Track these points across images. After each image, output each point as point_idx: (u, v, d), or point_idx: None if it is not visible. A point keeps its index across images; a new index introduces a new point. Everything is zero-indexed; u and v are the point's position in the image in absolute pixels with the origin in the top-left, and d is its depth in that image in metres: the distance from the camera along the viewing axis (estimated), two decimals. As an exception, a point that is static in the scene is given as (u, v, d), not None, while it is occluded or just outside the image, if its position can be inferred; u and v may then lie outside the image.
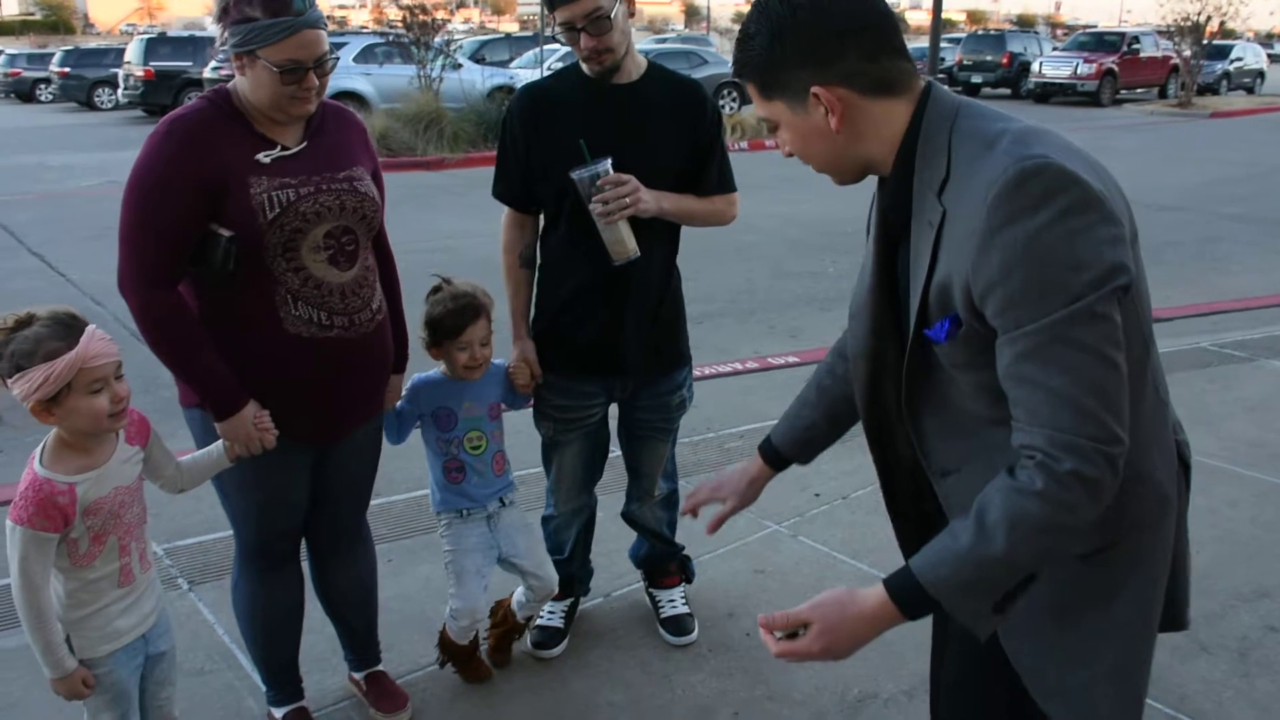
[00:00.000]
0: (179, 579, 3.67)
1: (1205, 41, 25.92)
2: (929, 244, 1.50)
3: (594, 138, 2.72)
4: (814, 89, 1.52)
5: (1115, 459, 1.39)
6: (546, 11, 2.76)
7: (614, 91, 2.82)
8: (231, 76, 2.41)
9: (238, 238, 2.33)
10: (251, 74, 2.33)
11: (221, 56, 2.40)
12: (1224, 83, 30.63)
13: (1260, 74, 32.61)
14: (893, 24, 1.53)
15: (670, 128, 2.86)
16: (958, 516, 1.50)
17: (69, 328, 2.07)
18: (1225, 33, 28.06)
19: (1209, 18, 25.62)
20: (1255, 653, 3.27)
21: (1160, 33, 28.14)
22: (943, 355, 1.53)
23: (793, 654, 1.53)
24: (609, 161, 2.70)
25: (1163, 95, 28.24)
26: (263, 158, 2.37)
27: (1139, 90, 28.21)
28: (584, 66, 2.81)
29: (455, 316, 2.82)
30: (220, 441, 2.45)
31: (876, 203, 1.70)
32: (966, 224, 1.43)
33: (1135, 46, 28.13)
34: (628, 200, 2.70)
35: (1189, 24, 25.57)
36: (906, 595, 1.48)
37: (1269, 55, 37.81)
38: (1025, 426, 1.42)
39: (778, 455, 2.09)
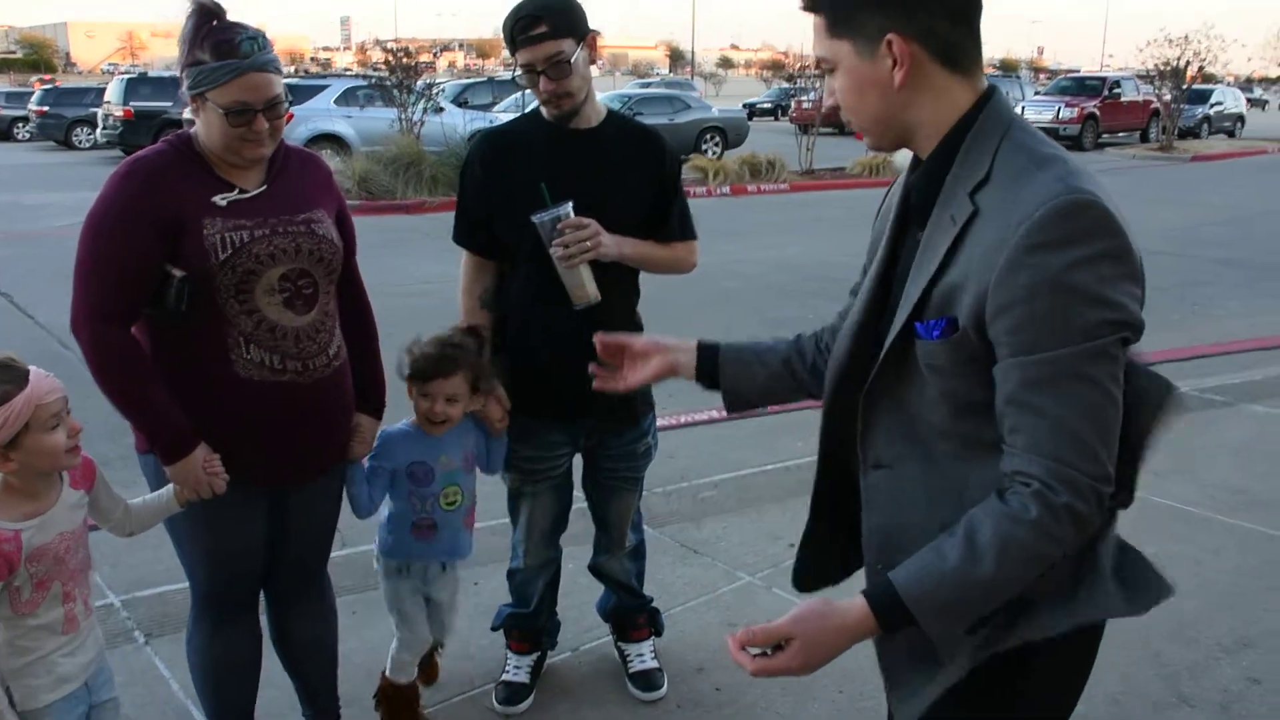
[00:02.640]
0: (135, 631, 3.57)
1: (1185, 86, 26.26)
2: (947, 239, 1.47)
3: (554, 182, 2.69)
4: (890, 35, 1.47)
5: (1105, 497, 1.41)
6: (510, 50, 2.74)
7: (574, 136, 2.80)
8: None
9: (190, 278, 2.32)
10: (203, 116, 2.34)
11: (182, 99, 2.42)
12: (1205, 126, 31.02)
13: (1240, 118, 33.06)
14: (979, 2, 1.50)
15: (630, 174, 2.85)
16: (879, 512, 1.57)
17: (11, 369, 2.09)
18: (1205, 77, 28.45)
19: (1189, 63, 25.96)
20: (1237, 705, 3.21)
21: (1141, 77, 28.55)
22: (923, 353, 1.51)
23: (772, 671, 1.49)
24: (570, 205, 2.67)
25: (1144, 139, 28.55)
26: (219, 200, 2.37)
27: (1121, 134, 28.51)
28: (543, 110, 2.79)
29: (427, 364, 2.76)
30: (170, 485, 2.41)
31: (901, 189, 1.67)
32: (998, 234, 1.40)
33: (1116, 91, 28.49)
34: (588, 244, 2.67)
35: (1169, 69, 25.93)
36: (886, 608, 1.46)
37: (1248, 99, 38.37)
38: (1023, 453, 1.41)
39: (713, 355, 1.93)
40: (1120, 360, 1.40)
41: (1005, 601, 1.48)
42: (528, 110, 3.00)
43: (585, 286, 2.72)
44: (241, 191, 2.39)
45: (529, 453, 2.97)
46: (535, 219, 2.67)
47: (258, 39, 2.29)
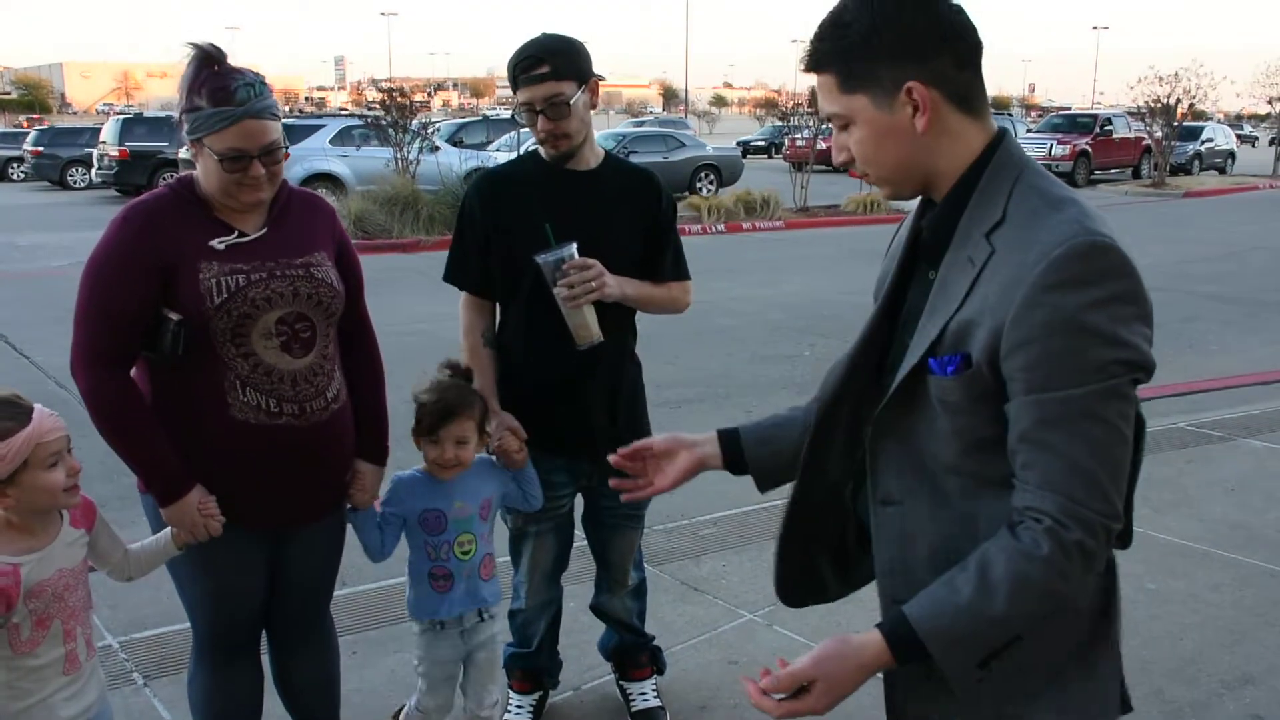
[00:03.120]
0: (134, 673, 3.56)
1: (1176, 123, 26.46)
2: (966, 280, 1.50)
3: (555, 222, 2.72)
4: (910, 84, 1.49)
5: (1113, 535, 1.44)
6: (512, 89, 2.77)
7: (572, 178, 2.84)
8: None
9: (186, 322, 2.34)
10: (201, 161, 2.37)
11: (180, 140, 2.43)
12: (1196, 163, 31.27)
13: (1231, 154, 33.31)
14: (981, 45, 1.54)
15: (627, 215, 2.89)
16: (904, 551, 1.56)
17: (16, 407, 2.10)
18: (1195, 114, 28.68)
19: (1179, 100, 26.19)
20: (1241, 744, 3.20)
21: (1132, 114, 28.75)
22: (936, 389, 1.52)
23: (797, 713, 1.51)
24: (574, 246, 2.69)
25: (1136, 175, 28.74)
26: (217, 244, 2.38)
27: (1113, 170, 28.70)
28: (541, 149, 2.83)
29: (432, 413, 2.70)
30: (168, 529, 2.42)
31: (911, 225, 1.69)
32: (1015, 273, 1.43)
33: (1108, 128, 28.70)
34: (593, 285, 2.69)
35: (1160, 106, 26.13)
36: (900, 642, 1.48)
37: (1238, 136, 38.67)
38: (1035, 489, 1.43)
39: (735, 440, 1.90)
40: (1132, 400, 1.42)
41: (1015, 639, 1.49)
42: (526, 150, 3.03)
43: (590, 326, 2.74)
44: (241, 235, 2.41)
45: None
46: (540, 259, 2.69)
47: (254, 85, 2.30)
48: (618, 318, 2.88)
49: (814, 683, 1.50)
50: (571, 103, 2.70)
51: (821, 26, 1.55)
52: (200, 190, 2.41)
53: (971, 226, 1.52)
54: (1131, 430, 1.44)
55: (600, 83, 2.83)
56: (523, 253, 2.73)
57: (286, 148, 2.42)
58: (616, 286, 2.76)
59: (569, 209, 2.79)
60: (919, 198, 1.65)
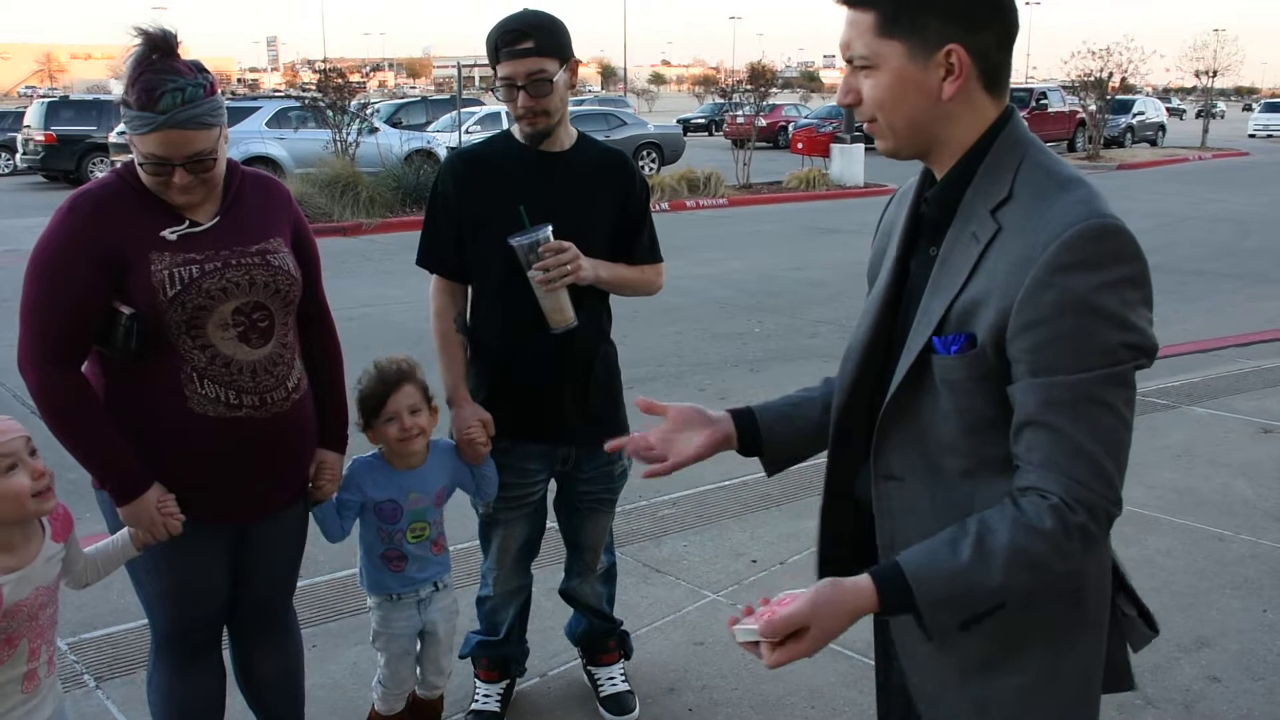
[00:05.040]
0: (85, 675, 3.46)
1: (1109, 97, 26.87)
2: (969, 256, 1.48)
3: (529, 204, 2.67)
4: (953, 46, 1.46)
5: (1113, 520, 1.45)
6: (491, 63, 2.70)
7: (547, 159, 2.79)
8: None
9: (140, 316, 2.26)
10: (135, 155, 2.28)
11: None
12: (1128, 136, 31.83)
13: (1161, 127, 33.99)
14: (1018, 29, 1.52)
15: (602, 197, 2.84)
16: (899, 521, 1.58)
17: None
18: (1126, 88, 29.15)
19: (1111, 74, 26.59)
20: (1200, 705, 3.26)
21: (1065, 88, 29.16)
22: (939, 368, 1.52)
23: (790, 660, 1.49)
24: (549, 228, 2.65)
25: (1071, 148, 29.19)
26: (168, 234, 2.30)
27: (1048, 144, 28.89)
28: (516, 127, 2.78)
29: (377, 387, 2.72)
30: (126, 529, 2.34)
31: (911, 201, 1.66)
32: (1024, 253, 1.41)
33: (1044, 102, 29.12)
34: (569, 268, 2.65)
35: (1092, 80, 26.52)
36: (891, 591, 1.47)
37: (1168, 109, 39.38)
38: (1039, 470, 1.43)
39: (751, 420, 1.84)
40: (1134, 386, 1.43)
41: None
42: (493, 133, 2.97)
43: (564, 310, 2.70)
44: (193, 224, 2.32)
45: (507, 479, 2.93)
46: (513, 241, 2.64)
47: (184, 90, 2.18)
48: (592, 301, 2.84)
49: (807, 629, 1.47)
50: (554, 80, 2.65)
51: None
52: None
53: (976, 202, 1.51)
54: (1133, 415, 1.44)
55: (579, 64, 2.78)
56: (496, 235, 2.68)
57: (213, 159, 2.27)
58: (591, 269, 2.72)
59: (543, 190, 2.74)
60: (909, 183, 1.63)
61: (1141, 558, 4.19)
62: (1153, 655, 3.48)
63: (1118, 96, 28.42)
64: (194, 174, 2.25)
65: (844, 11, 1.53)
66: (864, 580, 1.49)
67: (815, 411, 1.83)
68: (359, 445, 2.81)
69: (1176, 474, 5.17)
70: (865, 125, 1.58)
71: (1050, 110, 29.01)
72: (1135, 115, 32.38)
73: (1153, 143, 33.05)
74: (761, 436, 1.83)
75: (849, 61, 1.55)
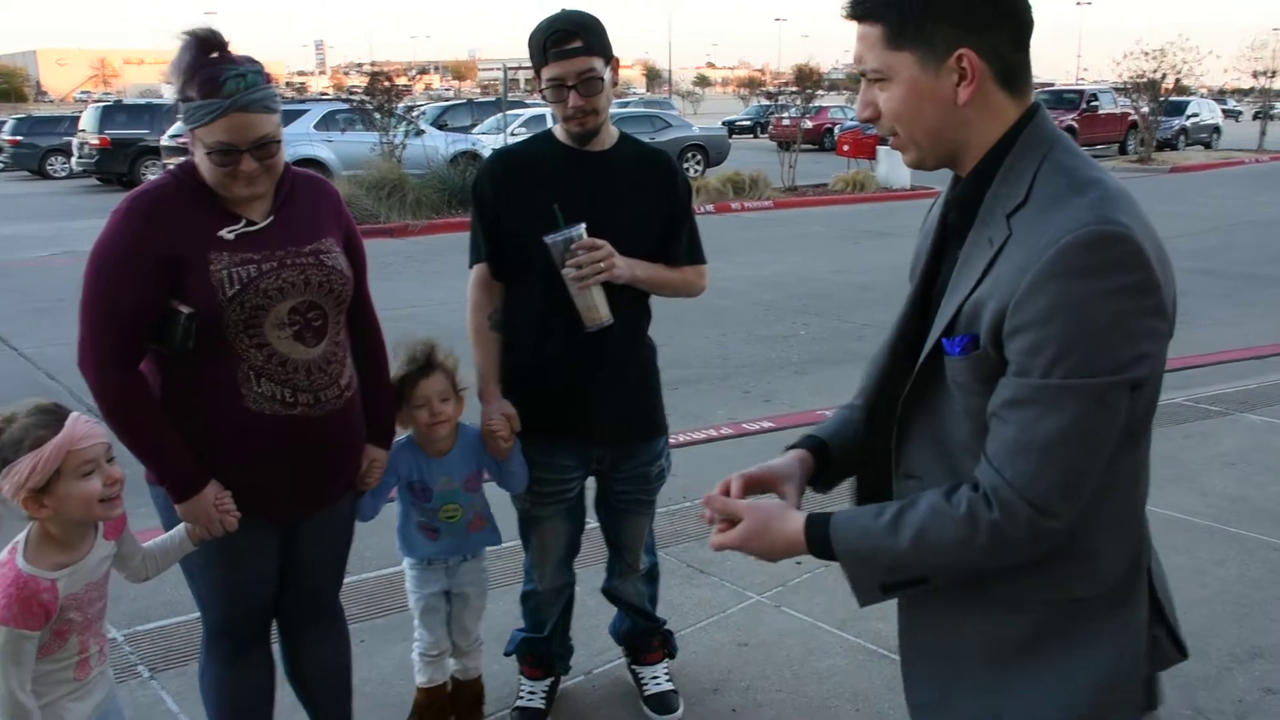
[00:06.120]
0: (139, 666, 3.53)
1: (1162, 98, 26.46)
2: (983, 260, 1.47)
3: (566, 203, 2.68)
4: (963, 51, 1.45)
5: (1042, 532, 1.42)
6: (536, 65, 2.71)
7: (587, 158, 2.79)
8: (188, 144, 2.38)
9: (197, 315, 2.29)
10: (196, 152, 2.31)
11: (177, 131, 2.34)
12: (1181, 138, 31.31)
13: (1216, 129, 33.38)
14: (1032, 25, 1.50)
15: (642, 197, 2.85)
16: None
17: (53, 414, 2.04)
18: (1180, 89, 28.70)
19: (1165, 75, 26.19)
20: (1253, 716, 3.21)
21: (1117, 90, 28.76)
22: (949, 368, 1.51)
23: (717, 545, 1.65)
24: (583, 227, 2.66)
25: (1122, 151, 28.80)
26: (226, 234, 2.33)
27: (1099, 146, 28.72)
28: (563, 128, 2.79)
29: (409, 372, 2.80)
30: (182, 525, 2.38)
31: (940, 207, 1.66)
32: (1025, 256, 1.40)
33: (1094, 104, 28.75)
34: (602, 265, 2.66)
35: (1145, 81, 26.13)
36: (816, 536, 1.55)
37: (1224, 110, 38.71)
38: (984, 461, 1.45)
39: (823, 445, 1.81)
40: (1117, 408, 1.38)
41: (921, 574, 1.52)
42: (533, 133, 2.99)
43: (598, 308, 2.71)
44: (249, 224, 2.36)
45: (541, 475, 2.95)
46: (547, 240, 2.65)
47: (246, 76, 2.23)
48: (630, 300, 2.84)
49: (739, 521, 1.61)
50: (603, 78, 2.67)
51: None
52: (203, 177, 2.35)
53: (995, 206, 1.49)
54: (1103, 442, 1.40)
55: (619, 63, 2.80)
56: (531, 233, 2.69)
57: (278, 143, 2.32)
58: (626, 268, 2.73)
59: (581, 190, 2.75)
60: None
61: (1193, 567, 4.12)
62: (1205, 666, 3.43)
63: (1171, 98, 27.97)
64: (260, 160, 2.28)
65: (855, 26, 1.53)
66: (801, 517, 1.58)
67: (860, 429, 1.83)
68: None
69: (1229, 482, 5.08)
70: (890, 140, 1.58)
71: (1101, 112, 28.64)
72: (1189, 117, 31.86)
73: (1207, 145, 32.50)
74: (833, 468, 1.82)
75: (863, 75, 1.55)
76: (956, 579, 1.53)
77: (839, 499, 1.82)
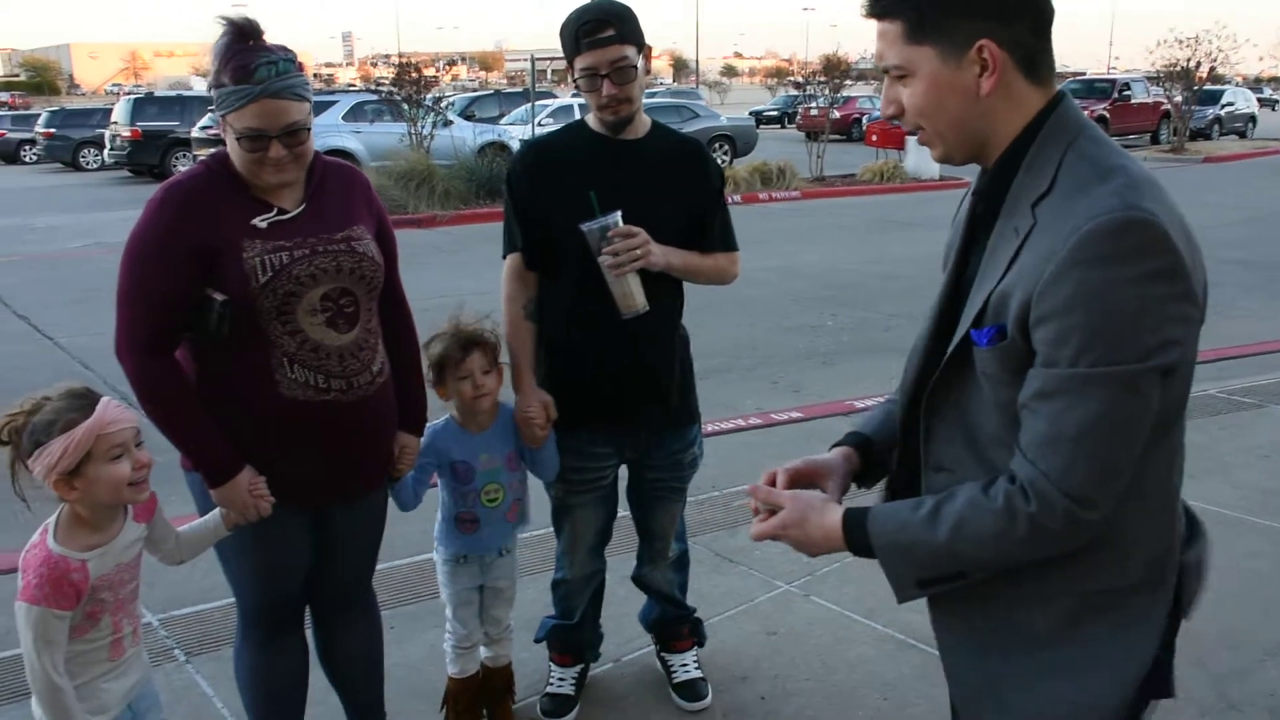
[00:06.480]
0: (175, 650, 3.58)
1: (1196, 87, 26.14)
2: (1009, 250, 1.47)
3: (600, 192, 2.69)
4: (984, 42, 1.45)
5: (1080, 523, 1.41)
6: (569, 55, 2.71)
7: (618, 147, 2.80)
8: (219, 136, 2.41)
9: (231, 302, 2.32)
10: (227, 139, 2.34)
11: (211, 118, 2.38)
12: (1216, 128, 30.93)
13: (1252, 118, 32.96)
14: (1052, 13, 1.50)
15: (675, 184, 2.85)
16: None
17: (84, 398, 2.08)
18: (1215, 78, 28.32)
19: (1199, 63, 25.85)
20: (1286, 710, 3.18)
21: (1150, 79, 28.43)
22: (978, 360, 1.52)
23: (759, 534, 1.65)
24: (618, 214, 2.67)
25: (1155, 141, 28.48)
26: (259, 222, 2.36)
27: (1131, 136, 28.42)
28: (596, 116, 2.80)
29: (452, 348, 2.82)
30: (217, 510, 2.42)
31: (969, 199, 1.66)
32: (1050, 244, 1.40)
33: (1126, 93, 28.44)
34: (638, 252, 2.67)
35: (1179, 70, 25.81)
36: (854, 529, 1.55)
37: (1259, 99, 38.19)
38: (1018, 453, 1.44)
39: (868, 442, 1.83)
40: (1149, 395, 1.38)
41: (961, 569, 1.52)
42: (564, 124, 2.99)
43: (634, 295, 2.72)
44: (281, 212, 2.38)
45: (575, 464, 2.96)
46: (584, 227, 2.67)
47: (277, 63, 2.25)
48: (664, 288, 2.85)
49: (780, 510, 1.62)
50: (637, 67, 2.67)
51: None
52: (235, 167, 2.38)
53: (1020, 195, 1.49)
54: (1136, 430, 1.39)
55: (651, 51, 2.80)
56: (566, 222, 2.70)
57: (307, 129, 2.34)
58: (661, 255, 2.73)
59: (614, 178, 2.75)
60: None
61: (1226, 561, 4.07)
62: (1237, 658, 3.41)
63: (1205, 87, 27.62)
64: (289, 148, 2.31)
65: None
66: (838, 509, 1.58)
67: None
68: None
69: (1264, 475, 5.04)
70: (918, 137, 1.58)
71: (1134, 102, 28.34)
72: (1224, 106, 31.47)
73: (1242, 134, 32.10)
74: (878, 464, 1.83)
75: (885, 72, 1.55)
76: (993, 573, 1.52)
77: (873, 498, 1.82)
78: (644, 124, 2.85)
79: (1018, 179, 1.50)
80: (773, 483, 1.73)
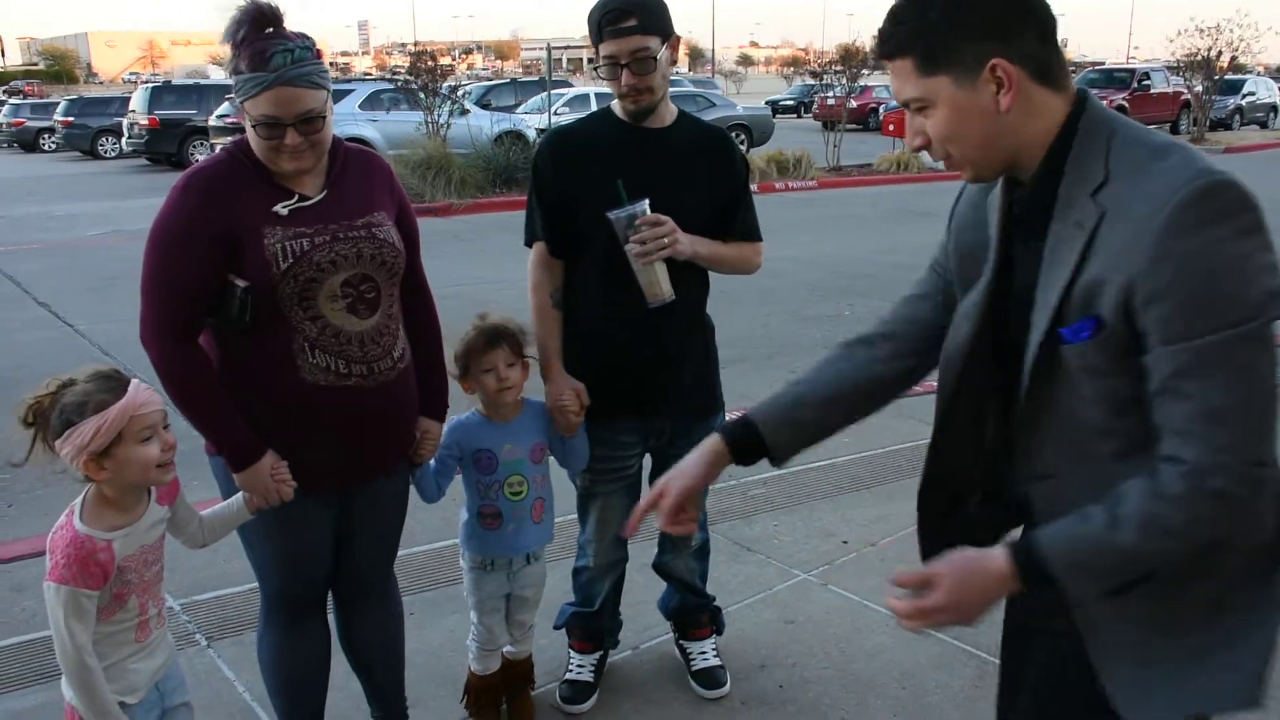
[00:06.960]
0: (196, 635, 3.60)
1: (1216, 77, 25.93)
2: (1077, 245, 1.48)
3: (626, 180, 2.69)
4: (995, 61, 1.47)
5: (1262, 482, 1.41)
6: (594, 42, 2.72)
7: (644, 135, 2.80)
8: (236, 124, 2.42)
9: (253, 288, 2.34)
10: (246, 126, 2.35)
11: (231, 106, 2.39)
12: (1236, 118, 30.69)
13: (1273, 108, 32.70)
14: (1054, 18, 1.52)
15: (700, 174, 2.85)
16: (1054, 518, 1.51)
17: (114, 380, 2.10)
18: (1235, 67, 28.09)
19: (1219, 53, 25.63)
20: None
21: (1170, 68, 28.22)
22: (1073, 356, 1.51)
23: (923, 613, 1.52)
24: (646, 203, 2.67)
25: (1175, 131, 28.24)
26: (280, 209, 2.37)
27: (1150, 126, 28.13)
28: (619, 104, 2.80)
29: (477, 341, 2.81)
30: (240, 494, 2.44)
31: (1001, 206, 1.66)
32: (1134, 226, 1.41)
33: (1146, 83, 28.23)
34: (665, 241, 2.67)
35: (1199, 59, 25.60)
36: (1026, 561, 1.48)
37: (1281, 89, 37.76)
38: (1174, 438, 1.42)
39: (748, 428, 1.89)
40: (1270, 343, 1.40)
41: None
42: (590, 111, 2.99)
43: (660, 284, 2.72)
44: (302, 198, 2.39)
45: (600, 450, 2.97)
46: (611, 215, 2.67)
47: (293, 51, 2.26)
48: (690, 277, 2.85)
49: (938, 580, 1.51)
50: (658, 57, 2.67)
51: (898, 8, 1.54)
52: (256, 153, 2.39)
53: (1074, 192, 1.50)
54: (1275, 375, 1.41)
55: (680, 41, 2.80)
56: (593, 210, 2.70)
57: (323, 117, 2.33)
58: (688, 244, 2.73)
59: (641, 166, 2.76)
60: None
61: None
62: None
63: (1226, 76, 27.40)
64: (305, 135, 2.31)
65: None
66: (1000, 551, 1.51)
67: (817, 412, 1.90)
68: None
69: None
70: (946, 164, 1.59)
71: (1153, 91, 28.13)
72: (1245, 96, 31.22)
73: (1263, 125, 31.84)
74: (767, 446, 1.88)
75: (906, 106, 1.57)
76: (1176, 563, 1.49)
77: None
78: (670, 112, 2.85)
79: (1065, 179, 1.51)
80: (654, 504, 1.83)
